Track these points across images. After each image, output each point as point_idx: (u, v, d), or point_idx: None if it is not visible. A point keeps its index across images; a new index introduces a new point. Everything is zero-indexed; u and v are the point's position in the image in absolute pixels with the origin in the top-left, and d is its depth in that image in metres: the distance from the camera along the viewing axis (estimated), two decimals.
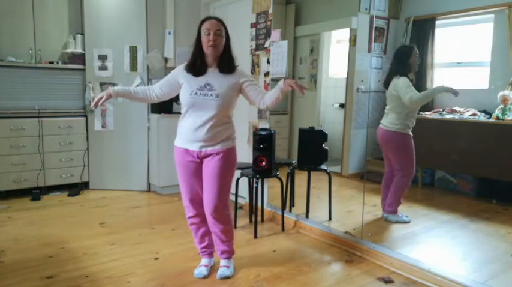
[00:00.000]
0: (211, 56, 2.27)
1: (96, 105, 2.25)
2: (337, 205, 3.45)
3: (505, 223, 3.20)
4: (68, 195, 4.24)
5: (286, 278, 2.44)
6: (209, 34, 2.21)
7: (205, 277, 2.44)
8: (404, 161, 3.15)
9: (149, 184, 4.56)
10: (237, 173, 3.33)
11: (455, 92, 2.89)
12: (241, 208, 3.87)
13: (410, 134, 3.10)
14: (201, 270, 2.47)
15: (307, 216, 3.40)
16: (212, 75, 2.29)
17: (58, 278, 2.40)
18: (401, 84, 3.06)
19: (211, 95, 2.24)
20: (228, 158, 2.32)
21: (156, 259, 2.71)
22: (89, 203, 4.03)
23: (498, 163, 3.19)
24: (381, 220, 3.20)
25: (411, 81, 3.05)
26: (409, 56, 3.14)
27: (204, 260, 2.53)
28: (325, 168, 3.31)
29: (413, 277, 2.44)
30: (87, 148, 4.45)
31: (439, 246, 2.93)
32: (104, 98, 2.26)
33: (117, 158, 4.48)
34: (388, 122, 3.14)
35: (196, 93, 2.24)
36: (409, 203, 3.11)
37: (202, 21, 2.28)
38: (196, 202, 2.41)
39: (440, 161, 3.57)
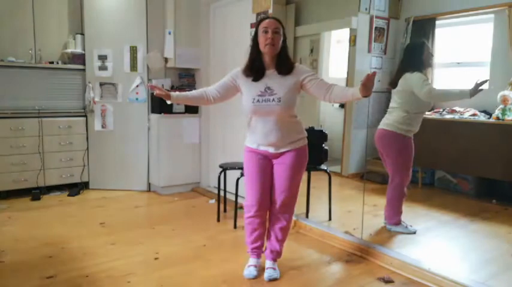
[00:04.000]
0: (268, 55, 2.25)
1: (152, 87, 2.28)
2: (337, 205, 3.44)
3: (505, 223, 3.20)
4: (68, 195, 4.24)
5: (286, 278, 2.43)
6: (267, 32, 2.19)
7: (255, 277, 2.43)
8: (400, 166, 2.99)
9: (149, 184, 4.56)
10: (237, 173, 3.34)
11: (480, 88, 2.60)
12: (241, 208, 3.84)
13: (411, 137, 2.96)
14: (250, 270, 2.46)
15: (307, 216, 3.40)
16: (271, 78, 2.27)
17: (58, 278, 2.40)
18: (416, 78, 2.82)
19: (273, 99, 2.22)
20: (299, 157, 2.35)
21: (156, 259, 2.70)
22: (89, 203, 4.03)
23: (498, 163, 3.20)
24: (380, 220, 3.20)
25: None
26: (421, 53, 2.92)
27: (253, 260, 2.52)
28: (325, 168, 3.31)
29: (413, 277, 2.43)
30: (87, 148, 4.44)
31: (439, 246, 2.93)
32: (161, 92, 2.26)
33: (117, 158, 4.48)
34: (391, 121, 2.93)
35: (258, 101, 2.24)
36: (409, 203, 3.11)
37: (260, 21, 2.27)
38: (262, 201, 2.40)
39: (440, 161, 3.57)
